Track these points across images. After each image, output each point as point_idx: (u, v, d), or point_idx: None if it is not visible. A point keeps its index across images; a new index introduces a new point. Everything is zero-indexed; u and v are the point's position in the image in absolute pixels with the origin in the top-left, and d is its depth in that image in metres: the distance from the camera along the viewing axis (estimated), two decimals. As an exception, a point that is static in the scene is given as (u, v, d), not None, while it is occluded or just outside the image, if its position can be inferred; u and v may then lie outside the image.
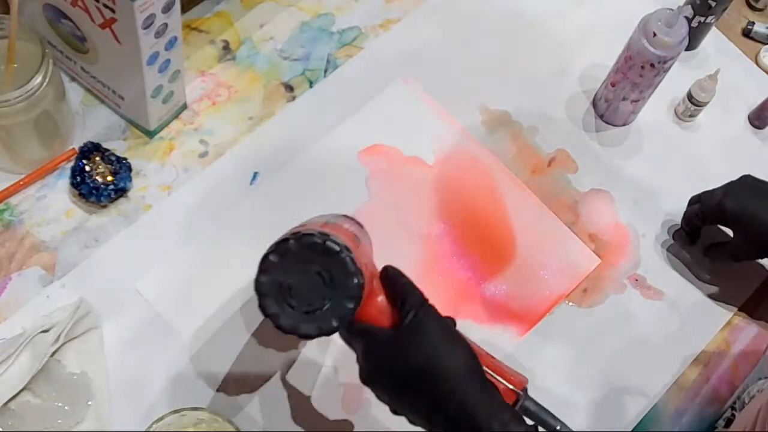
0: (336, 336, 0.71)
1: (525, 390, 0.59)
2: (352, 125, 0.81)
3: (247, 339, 0.70)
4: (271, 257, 0.54)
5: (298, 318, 0.54)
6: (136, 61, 0.68)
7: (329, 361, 0.71)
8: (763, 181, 0.74)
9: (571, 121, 0.86)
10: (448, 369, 0.54)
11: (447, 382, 0.54)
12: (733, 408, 0.73)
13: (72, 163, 0.74)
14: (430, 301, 0.57)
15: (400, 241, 0.77)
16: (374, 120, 0.82)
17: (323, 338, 0.71)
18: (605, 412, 0.73)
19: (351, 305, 0.54)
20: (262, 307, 0.55)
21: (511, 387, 0.58)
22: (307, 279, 0.54)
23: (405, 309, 0.56)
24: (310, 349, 0.71)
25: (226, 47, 0.84)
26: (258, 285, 0.54)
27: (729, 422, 0.72)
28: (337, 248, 0.53)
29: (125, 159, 0.74)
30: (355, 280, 0.54)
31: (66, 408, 0.65)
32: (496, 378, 0.58)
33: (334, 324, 0.54)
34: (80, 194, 0.73)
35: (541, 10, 0.91)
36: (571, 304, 0.77)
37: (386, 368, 0.56)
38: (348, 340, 0.59)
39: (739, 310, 0.79)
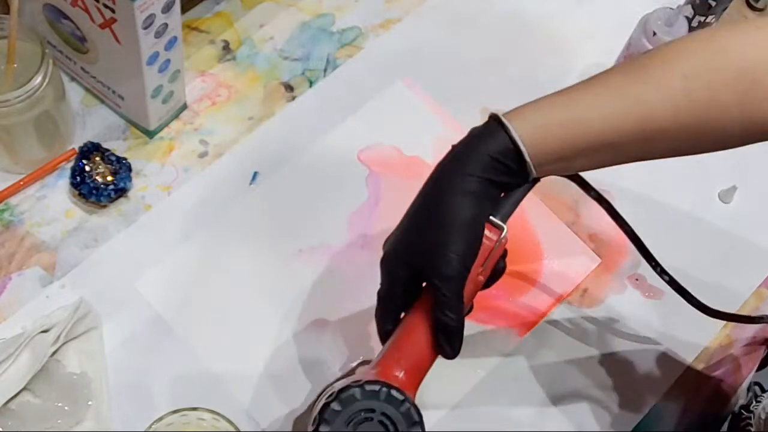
0: (337, 338, 0.71)
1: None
2: (352, 125, 0.81)
3: (247, 338, 0.70)
4: (333, 405, 0.52)
5: None
6: (136, 61, 0.68)
7: (330, 362, 0.71)
8: None
9: (572, 120, 0.86)
10: None
11: None
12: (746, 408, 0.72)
13: (72, 163, 0.74)
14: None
15: (400, 241, 0.77)
16: (374, 120, 0.82)
17: (328, 340, 0.71)
18: (605, 412, 0.72)
19: None
20: None
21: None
22: (370, 428, 0.52)
23: None
24: (311, 349, 0.71)
25: (226, 47, 0.84)
26: None
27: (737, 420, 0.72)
28: (401, 397, 0.52)
29: (125, 159, 0.74)
30: (419, 429, 0.52)
31: (66, 408, 0.65)
32: None
33: None
34: (80, 194, 0.73)
35: (541, 9, 0.91)
36: (571, 304, 0.76)
37: None
38: None
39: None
